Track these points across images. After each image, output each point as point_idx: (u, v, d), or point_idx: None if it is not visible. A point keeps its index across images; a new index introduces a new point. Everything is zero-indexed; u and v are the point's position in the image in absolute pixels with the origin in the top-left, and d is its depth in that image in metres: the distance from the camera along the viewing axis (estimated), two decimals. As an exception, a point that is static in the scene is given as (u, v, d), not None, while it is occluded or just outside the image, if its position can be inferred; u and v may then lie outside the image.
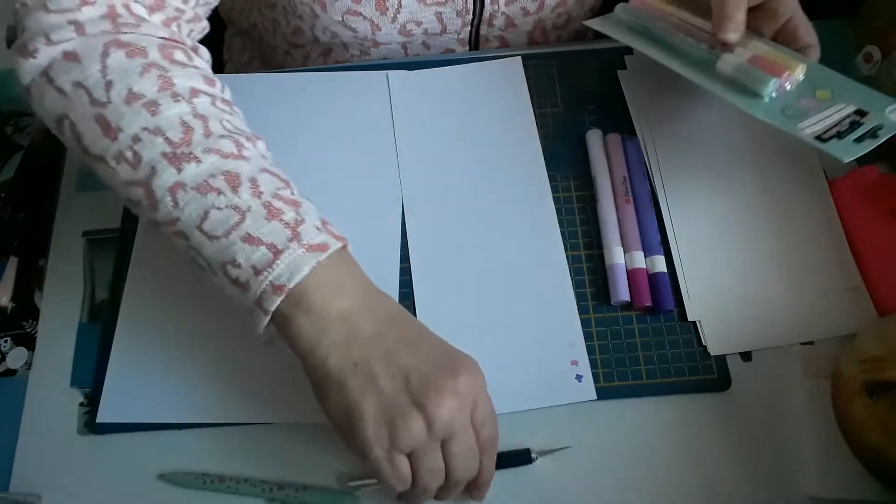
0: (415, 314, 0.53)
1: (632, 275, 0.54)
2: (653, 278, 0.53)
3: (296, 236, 0.43)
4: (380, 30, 0.63)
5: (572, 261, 0.55)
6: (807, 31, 0.54)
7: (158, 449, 0.50)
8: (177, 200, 0.43)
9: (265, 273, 0.42)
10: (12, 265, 0.57)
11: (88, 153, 0.45)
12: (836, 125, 0.50)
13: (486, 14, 0.65)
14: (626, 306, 0.54)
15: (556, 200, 0.57)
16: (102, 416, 0.51)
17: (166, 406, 0.51)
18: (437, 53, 0.69)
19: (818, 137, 0.50)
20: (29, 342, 0.54)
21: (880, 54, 0.61)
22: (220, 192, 0.43)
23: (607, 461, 0.49)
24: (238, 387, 0.51)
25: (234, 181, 0.43)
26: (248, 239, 0.42)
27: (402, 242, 0.56)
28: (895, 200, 0.55)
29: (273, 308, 0.42)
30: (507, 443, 0.49)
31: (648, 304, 0.53)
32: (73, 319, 0.55)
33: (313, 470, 0.49)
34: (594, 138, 0.59)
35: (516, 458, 0.48)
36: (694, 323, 0.53)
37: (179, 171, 0.43)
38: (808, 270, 0.54)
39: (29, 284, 0.56)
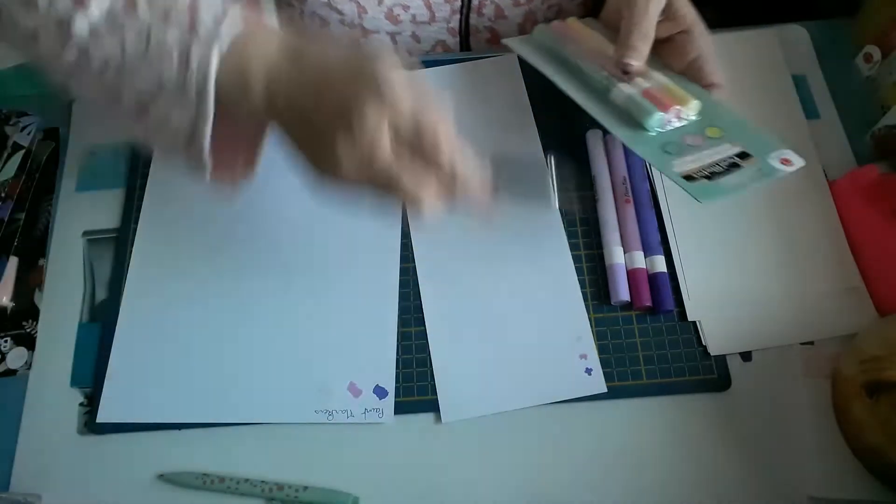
0: (421, 314, 0.54)
1: (632, 275, 0.54)
2: (653, 278, 0.53)
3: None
4: (366, 13, 0.63)
5: (573, 261, 0.55)
6: (713, 71, 0.54)
7: (158, 449, 0.50)
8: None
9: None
10: (12, 265, 0.57)
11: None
12: (712, 166, 0.50)
13: (474, 2, 0.65)
14: (626, 306, 0.54)
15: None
16: (102, 416, 0.51)
17: (166, 406, 0.51)
18: (429, 47, 0.69)
19: (686, 177, 0.49)
20: (29, 342, 0.54)
21: (880, 54, 0.61)
22: None
23: (607, 461, 0.49)
24: (238, 387, 0.51)
25: None
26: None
27: (402, 243, 0.56)
28: (895, 200, 0.55)
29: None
30: (507, 442, 0.50)
31: (648, 304, 0.53)
32: (73, 319, 0.55)
33: (313, 470, 0.49)
34: (594, 138, 0.59)
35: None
36: (694, 323, 0.53)
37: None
38: (808, 270, 0.54)
39: (29, 284, 0.56)
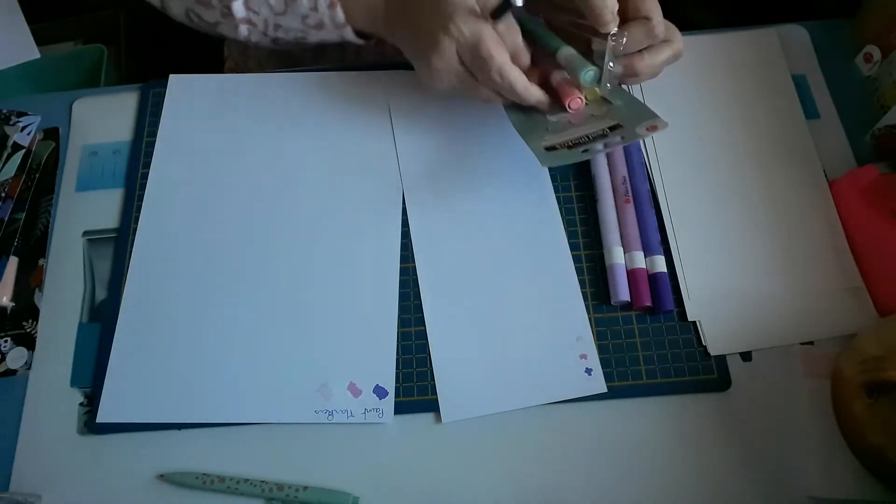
0: (421, 314, 0.54)
1: (632, 275, 0.54)
2: (653, 278, 0.53)
3: None
4: None
5: (573, 261, 0.55)
6: (652, 7, 0.52)
7: (158, 449, 0.50)
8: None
9: None
10: (12, 265, 0.57)
11: None
12: (580, 138, 0.51)
13: None
14: (626, 306, 0.54)
15: (557, 200, 0.57)
16: (102, 416, 0.51)
17: (166, 406, 0.51)
18: None
19: (549, 147, 0.51)
20: (29, 342, 0.54)
21: (880, 54, 0.61)
22: None
23: (608, 461, 0.49)
24: (238, 387, 0.51)
25: None
26: None
27: (403, 243, 0.56)
28: (895, 200, 0.55)
29: None
30: (507, 442, 0.49)
31: (648, 304, 0.53)
32: (73, 319, 0.55)
33: (313, 470, 0.49)
34: (594, 138, 0.59)
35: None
36: (694, 323, 0.53)
37: None
38: (808, 270, 0.54)
39: (29, 284, 0.56)
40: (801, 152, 0.58)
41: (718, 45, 0.57)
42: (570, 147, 0.51)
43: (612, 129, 0.52)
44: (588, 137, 0.52)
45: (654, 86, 0.58)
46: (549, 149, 0.51)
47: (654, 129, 0.51)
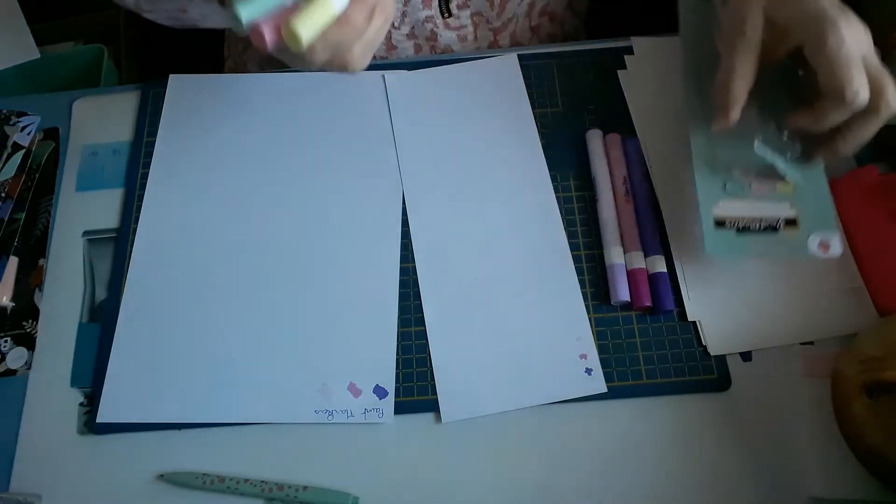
0: (421, 314, 0.54)
1: (632, 275, 0.54)
2: (653, 278, 0.53)
3: None
4: None
5: (573, 261, 0.55)
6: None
7: (158, 449, 0.50)
8: None
9: None
10: (12, 265, 0.57)
11: None
12: (752, 220, 0.48)
13: None
14: (626, 306, 0.54)
15: (556, 200, 0.57)
16: (102, 416, 0.51)
17: (166, 406, 0.51)
18: (423, 32, 0.68)
19: (719, 221, 0.49)
20: (29, 342, 0.54)
21: (880, 54, 0.60)
22: None
23: (608, 461, 0.49)
24: (238, 387, 0.51)
25: None
26: None
27: (402, 243, 0.56)
28: (895, 200, 0.55)
29: None
30: (507, 442, 0.49)
31: (648, 304, 0.53)
32: (73, 319, 0.55)
33: (313, 470, 0.49)
34: (594, 138, 0.59)
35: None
36: (694, 323, 0.53)
37: None
38: (808, 270, 0.54)
39: (29, 284, 0.56)
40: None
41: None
42: (739, 231, 0.48)
43: (787, 223, 0.49)
44: (759, 225, 0.48)
45: (655, 81, 0.58)
46: (719, 223, 0.49)
47: (826, 248, 0.48)
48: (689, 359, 0.52)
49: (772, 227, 0.49)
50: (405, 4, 0.64)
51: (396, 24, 0.66)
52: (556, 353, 0.52)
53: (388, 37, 0.68)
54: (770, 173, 0.50)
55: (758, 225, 0.49)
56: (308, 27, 0.41)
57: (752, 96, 0.48)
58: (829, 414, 0.49)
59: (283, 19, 0.41)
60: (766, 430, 0.49)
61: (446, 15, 0.66)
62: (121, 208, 0.59)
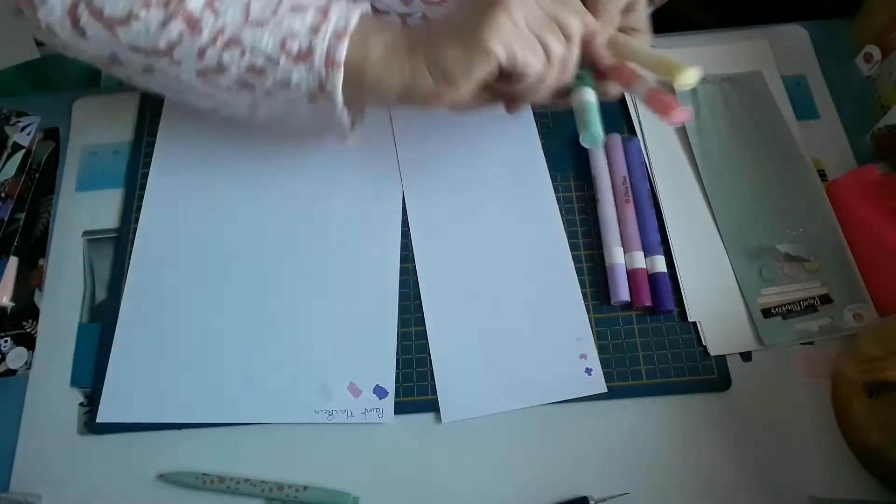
0: (421, 314, 0.54)
1: (632, 275, 0.54)
2: (653, 278, 0.53)
3: None
4: None
5: (573, 261, 0.55)
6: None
7: (158, 449, 0.50)
8: (216, 9, 0.45)
9: (323, 28, 0.45)
10: (12, 265, 0.57)
11: (114, 22, 0.46)
12: (793, 303, 0.52)
13: None
14: (626, 306, 0.54)
15: (557, 200, 0.57)
16: (102, 416, 0.51)
17: (166, 406, 0.51)
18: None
19: (765, 310, 0.52)
20: (29, 342, 0.54)
21: (880, 54, 0.61)
22: None
23: (608, 461, 0.49)
24: (238, 387, 0.51)
25: None
26: (295, 8, 0.45)
27: (403, 243, 0.56)
28: (895, 200, 0.55)
29: (344, 57, 0.44)
30: (507, 442, 0.49)
31: (648, 304, 0.53)
32: (73, 319, 0.55)
33: (313, 470, 0.49)
34: (594, 138, 0.59)
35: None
36: (694, 323, 0.53)
37: None
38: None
39: (29, 284, 0.56)
40: (794, 152, 0.58)
41: (711, 45, 0.57)
42: (784, 316, 0.51)
43: (822, 299, 0.52)
44: (801, 306, 0.52)
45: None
46: (767, 314, 0.52)
47: (860, 318, 0.51)
48: (689, 359, 0.52)
49: (811, 307, 0.52)
50: None
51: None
52: (556, 353, 0.52)
53: None
54: (796, 253, 0.54)
55: (799, 306, 0.52)
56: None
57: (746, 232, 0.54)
58: (829, 414, 0.49)
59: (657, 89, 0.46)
60: (766, 430, 0.49)
61: None
62: (121, 208, 0.59)
